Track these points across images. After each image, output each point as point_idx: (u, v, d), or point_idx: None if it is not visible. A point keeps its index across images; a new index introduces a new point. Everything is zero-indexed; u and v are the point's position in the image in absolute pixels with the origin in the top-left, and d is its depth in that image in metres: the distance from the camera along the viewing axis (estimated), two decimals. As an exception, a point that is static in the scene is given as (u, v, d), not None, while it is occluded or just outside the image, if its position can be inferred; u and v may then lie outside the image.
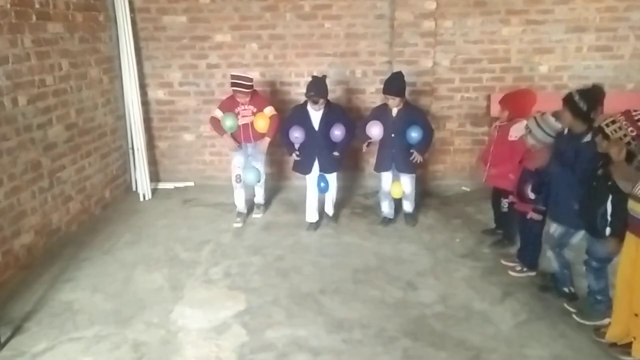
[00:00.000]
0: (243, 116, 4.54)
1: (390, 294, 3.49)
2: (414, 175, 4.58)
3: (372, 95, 5.67)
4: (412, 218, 4.72)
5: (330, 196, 4.63)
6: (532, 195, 3.47)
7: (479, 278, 3.71)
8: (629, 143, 2.66)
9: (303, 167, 4.46)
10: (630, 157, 2.64)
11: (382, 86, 5.53)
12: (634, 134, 2.62)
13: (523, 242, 3.80)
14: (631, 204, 2.66)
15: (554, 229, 3.34)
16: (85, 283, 3.71)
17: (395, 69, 5.34)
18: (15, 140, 3.77)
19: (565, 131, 3.23)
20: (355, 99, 5.73)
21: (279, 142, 4.67)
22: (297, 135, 4.16)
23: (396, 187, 4.41)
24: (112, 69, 5.34)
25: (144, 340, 3.01)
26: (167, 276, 3.80)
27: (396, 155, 4.40)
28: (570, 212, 3.11)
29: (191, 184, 6.01)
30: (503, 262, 3.91)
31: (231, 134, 4.51)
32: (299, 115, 4.33)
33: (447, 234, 4.47)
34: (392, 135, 4.32)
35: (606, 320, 2.99)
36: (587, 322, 3.09)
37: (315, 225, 4.60)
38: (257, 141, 4.66)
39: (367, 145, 4.42)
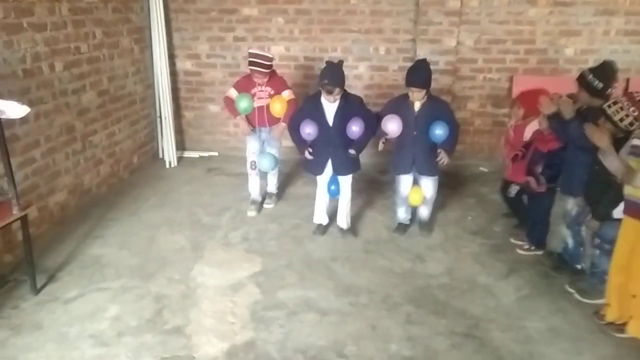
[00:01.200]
0: (259, 98, 4.21)
1: (398, 265, 3.64)
2: (436, 177, 3.96)
3: (394, 73, 5.74)
4: (427, 226, 4.17)
5: (344, 204, 4.01)
6: (537, 178, 3.55)
7: (487, 254, 3.82)
8: (631, 124, 2.72)
9: (314, 167, 3.86)
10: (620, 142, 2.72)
11: (404, 64, 5.63)
12: (636, 114, 2.69)
13: (532, 221, 3.88)
14: (627, 189, 2.73)
15: (571, 206, 3.42)
16: (112, 240, 3.97)
17: (419, 48, 5.43)
18: (52, 104, 4.00)
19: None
20: (378, 76, 5.80)
21: (289, 137, 3.97)
22: (309, 130, 3.57)
23: (416, 193, 3.88)
24: (143, 39, 5.53)
25: (166, 294, 3.24)
26: (189, 238, 4.02)
27: (418, 155, 3.80)
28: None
29: (215, 153, 6.21)
30: (512, 240, 4.01)
31: (245, 116, 4.21)
32: (311, 108, 3.70)
33: (460, 211, 4.57)
34: (414, 132, 3.72)
35: (603, 301, 3.07)
36: (587, 301, 3.19)
37: (323, 229, 4.10)
38: (272, 126, 4.35)
39: (384, 142, 3.79)
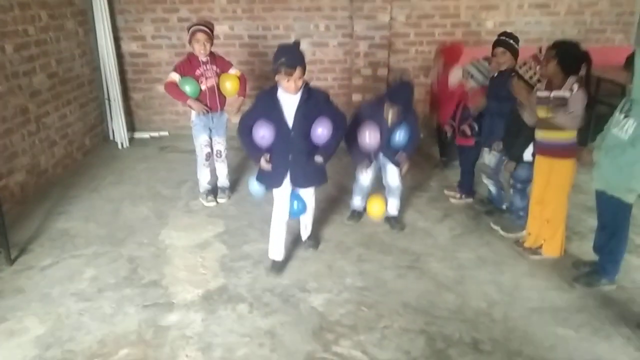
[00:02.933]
0: (207, 77, 3.98)
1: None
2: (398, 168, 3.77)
3: (334, 48, 6.13)
4: (397, 222, 3.91)
5: (306, 217, 3.45)
6: (468, 131, 4.08)
7: (425, 204, 4.33)
8: (538, 80, 3.28)
9: (270, 178, 3.12)
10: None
11: (343, 39, 6.03)
12: (540, 71, 3.24)
13: (462, 173, 4.43)
14: (538, 133, 3.28)
15: (488, 159, 3.97)
16: (77, 215, 4.15)
17: (356, 24, 5.82)
18: (5, 86, 4.08)
19: (496, 74, 3.82)
20: (319, 52, 6.16)
21: (239, 141, 3.22)
22: (263, 133, 2.91)
23: (377, 203, 3.70)
24: (87, 21, 5.58)
25: (138, 255, 3.51)
26: (152, 208, 4.26)
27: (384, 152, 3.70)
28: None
29: (166, 133, 6.38)
30: (445, 192, 4.55)
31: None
32: (266, 106, 2.97)
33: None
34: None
35: (523, 232, 3.65)
36: (509, 235, 3.76)
37: (280, 266, 3.25)
38: (222, 109, 4.18)
39: (366, 168, 3.66)
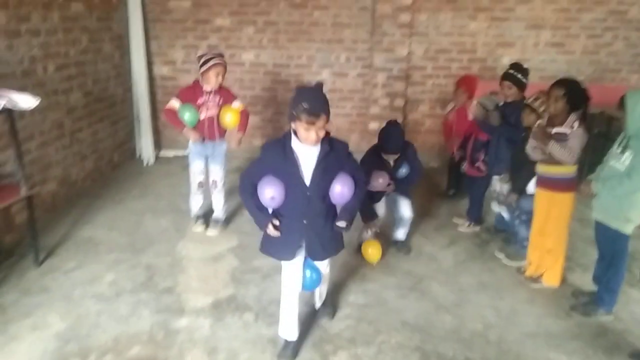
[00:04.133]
0: (208, 108, 3.95)
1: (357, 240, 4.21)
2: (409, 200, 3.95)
3: (353, 79, 6.39)
4: (404, 245, 4.05)
5: (320, 287, 2.96)
6: (483, 167, 4.23)
7: (432, 231, 4.46)
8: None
9: (281, 248, 2.60)
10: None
11: (363, 71, 6.30)
12: (547, 108, 3.41)
13: (471, 201, 4.56)
14: (539, 167, 3.42)
15: (499, 186, 4.11)
16: (102, 224, 4.41)
17: (375, 56, 6.08)
18: (45, 102, 4.41)
19: (502, 102, 4.06)
20: (339, 82, 6.42)
21: (242, 203, 2.71)
22: (272, 194, 2.40)
23: (374, 248, 3.69)
24: (123, 45, 5.98)
25: (155, 264, 3.72)
26: (171, 221, 4.50)
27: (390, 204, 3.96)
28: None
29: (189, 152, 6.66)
30: (454, 220, 4.67)
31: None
32: (277, 159, 2.42)
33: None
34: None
35: (525, 262, 3.74)
36: (511, 263, 3.86)
37: (294, 348, 2.75)
38: (221, 138, 4.13)
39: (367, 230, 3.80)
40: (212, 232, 4.28)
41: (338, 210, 2.61)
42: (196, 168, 4.19)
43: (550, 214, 3.45)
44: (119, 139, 6.05)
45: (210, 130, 4.01)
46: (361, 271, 3.68)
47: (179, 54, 6.38)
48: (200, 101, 3.94)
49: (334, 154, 2.43)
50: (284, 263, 2.66)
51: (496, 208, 4.29)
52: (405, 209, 3.95)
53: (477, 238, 4.32)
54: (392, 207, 4.01)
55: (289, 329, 2.73)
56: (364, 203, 3.52)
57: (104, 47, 5.54)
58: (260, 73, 6.38)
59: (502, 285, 3.55)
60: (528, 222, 3.82)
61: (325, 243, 2.60)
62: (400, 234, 4.06)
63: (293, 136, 2.38)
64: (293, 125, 2.35)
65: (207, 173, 4.28)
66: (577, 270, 3.74)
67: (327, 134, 2.39)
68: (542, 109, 3.52)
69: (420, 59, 6.27)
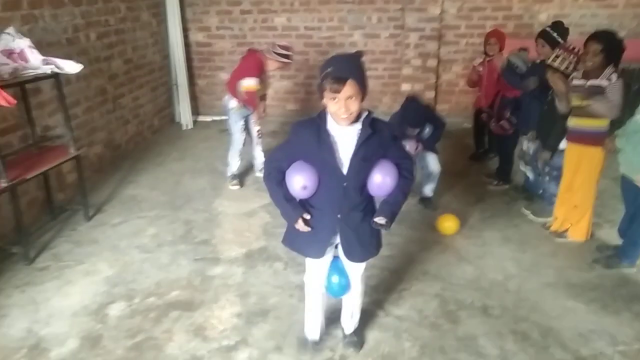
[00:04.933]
0: (261, 83, 4.40)
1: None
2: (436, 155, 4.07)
3: (385, 40, 6.36)
4: (430, 202, 4.15)
5: (352, 301, 2.48)
6: (507, 126, 4.23)
7: (461, 189, 4.51)
8: (574, 69, 3.39)
9: (310, 244, 2.23)
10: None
11: (395, 31, 6.26)
12: (575, 59, 3.35)
13: (500, 161, 4.57)
14: (570, 121, 3.40)
15: (526, 145, 4.11)
16: (144, 184, 4.70)
17: (407, 16, 6.03)
18: (88, 69, 4.67)
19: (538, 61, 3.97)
20: (371, 43, 6.42)
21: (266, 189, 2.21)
22: (304, 182, 2.05)
23: (450, 221, 3.70)
24: (159, 13, 6.17)
25: (193, 219, 3.97)
26: (208, 181, 4.75)
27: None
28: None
29: (226, 117, 6.86)
30: (483, 178, 4.71)
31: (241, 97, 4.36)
32: (309, 142, 2.02)
33: (443, 158, 5.23)
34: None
35: (550, 218, 3.77)
36: (538, 219, 3.89)
37: (314, 347, 2.54)
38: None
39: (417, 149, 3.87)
40: (260, 173, 4.71)
41: (377, 204, 2.16)
42: (241, 127, 4.54)
43: (579, 169, 3.44)
44: (158, 105, 6.31)
45: (253, 100, 4.39)
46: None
47: (213, 19, 6.52)
48: (263, 77, 4.37)
49: (376, 137, 1.99)
50: (308, 260, 2.32)
51: (522, 167, 4.29)
52: (434, 163, 4.04)
53: (505, 196, 4.36)
54: (421, 164, 4.09)
55: (312, 329, 2.52)
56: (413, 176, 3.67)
57: (142, 15, 5.74)
58: (293, 36, 6.45)
59: (526, 239, 3.61)
60: (558, 179, 3.83)
61: (364, 241, 2.17)
62: (428, 190, 4.15)
63: (328, 117, 1.98)
64: (324, 101, 1.94)
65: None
66: (605, 226, 3.74)
67: (369, 113, 2.01)
68: (564, 66, 3.44)
69: (454, 18, 6.17)
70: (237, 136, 4.55)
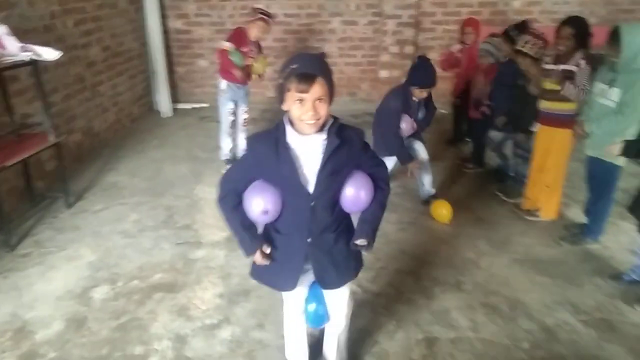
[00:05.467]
0: (249, 57, 4.35)
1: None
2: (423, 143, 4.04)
3: (364, 27, 6.43)
4: (434, 198, 3.99)
5: (337, 335, 2.23)
6: (488, 111, 4.36)
7: (437, 173, 4.60)
8: (543, 53, 3.52)
9: (278, 275, 1.95)
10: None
11: (373, 18, 6.33)
12: (540, 42, 3.48)
13: (473, 145, 4.71)
14: (541, 104, 3.54)
15: (493, 134, 4.25)
16: (124, 171, 4.72)
17: (385, 3, 6.10)
18: (66, 56, 4.63)
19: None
20: (350, 30, 6.49)
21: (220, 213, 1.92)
22: (265, 207, 1.78)
23: (444, 208, 3.73)
24: (137, 0, 6.12)
25: (174, 205, 4.03)
26: (189, 168, 4.79)
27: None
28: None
29: (206, 104, 6.91)
30: (459, 162, 4.85)
31: (227, 74, 4.37)
32: (268, 158, 1.74)
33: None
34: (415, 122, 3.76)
35: (522, 199, 3.92)
36: (510, 200, 4.04)
37: None
38: (248, 84, 4.56)
39: (412, 172, 3.89)
40: None
41: (355, 221, 1.92)
42: (229, 109, 4.56)
43: (550, 151, 3.58)
44: (137, 93, 6.30)
45: (245, 74, 4.40)
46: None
47: (191, 6, 6.50)
48: (246, 49, 4.30)
49: (345, 147, 1.71)
50: (284, 294, 2.03)
51: (491, 154, 4.45)
52: (423, 151, 3.97)
53: (479, 179, 4.50)
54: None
55: (296, 355, 2.23)
56: (399, 146, 3.71)
57: (119, 2, 5.71)
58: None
59: (498, 219, 3.76)
60: (528, 161, 3.98)
61: (339, 265, 1.90)
62: (427, 184, 4.01)
63: (288, 127, 1.68)
64: (284, 107, 1.67)
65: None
66: (573, 206, 3.91)
67: (335, 119, 1.72)
68: (533, 51, 3.57)
69: (430, 5, 6.27)
70: (224, 118, 4.61)
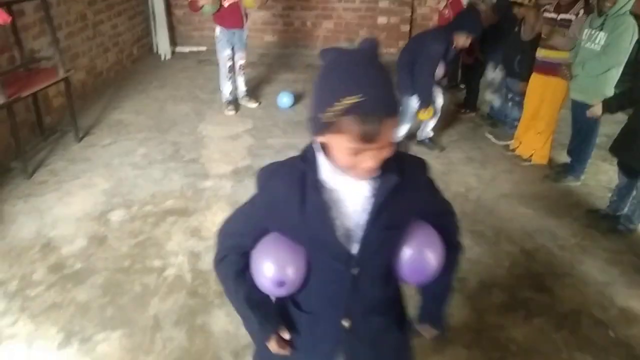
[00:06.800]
0: None
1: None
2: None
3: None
4: (435, 143, 4.19)
5: None
6: (481, 56, 4.50)
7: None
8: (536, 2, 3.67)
9: None
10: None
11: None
12: None
13: (467, 91, 4.89)
14: (538, 52, 3.69)
15: (492, 76, 4.42)
16: (129, 109, 4.86)
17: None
18: (68, -7, 4.70)
19: None
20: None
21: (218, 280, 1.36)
22: (281, 276, 1.13)
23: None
24: (135, -62, 6.06)
25: (180, 141, 4.20)
26: (191, 107, 4.93)
27: None
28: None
29: (204, 48, 6.94)
30: (453, 107, 5.03)
31: (219, 20, 4.37)
32: (285, 203, 1.09)
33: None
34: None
35: (512, 141, 4.14)
36: (500, 142, 4.27)
37: None
38: (243, 26, 4.49)
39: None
40: (252, 104, 4.94)
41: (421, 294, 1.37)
42: (226, 55, 4.58)
43: (544, 98, 3.77)
44: (137, 34, 6.32)
45: (235, 17, 4.37)
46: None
47: (190, -54, 6.41)
48: None
49: (408, 187, 1.09)
50: None
51: (489, 96, 4.63)
52: (440, 97, 4.01)
53: (472, 122, 4.71)
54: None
55: None
56: (429, 90, 3.71)
57: (117, -61, 5.65)
58: (271, -33, 6.44)
59: (488, 159, 4.00)
60: (521, 104, 4.17)
61: None
62: (429, 127, 4.11)
63: (321, 158, 1.07)
64: (322, 138, 1.02)
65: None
66: (558, 148, 4.12)
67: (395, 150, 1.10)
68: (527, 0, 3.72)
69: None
70: (222, 62, 4.68)
